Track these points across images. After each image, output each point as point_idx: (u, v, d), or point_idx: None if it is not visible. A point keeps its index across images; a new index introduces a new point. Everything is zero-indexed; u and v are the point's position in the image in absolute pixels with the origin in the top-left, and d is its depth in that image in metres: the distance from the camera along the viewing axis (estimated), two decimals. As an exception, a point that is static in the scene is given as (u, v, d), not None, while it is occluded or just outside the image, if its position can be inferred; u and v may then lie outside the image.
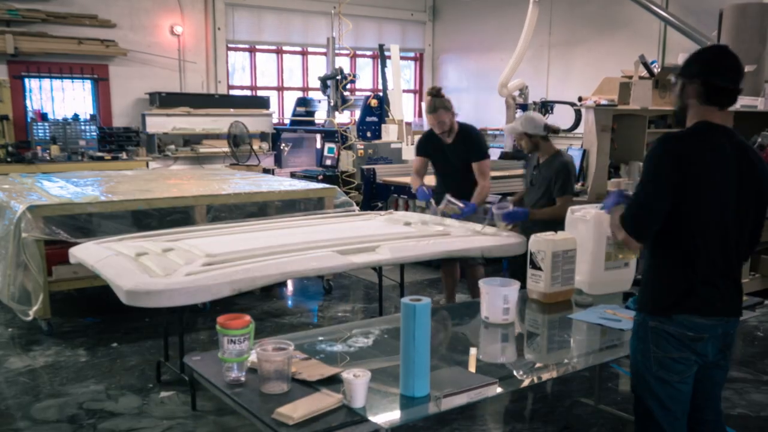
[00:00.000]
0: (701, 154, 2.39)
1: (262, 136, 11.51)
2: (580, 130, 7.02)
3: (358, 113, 10.78)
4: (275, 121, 12.17)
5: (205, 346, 5.14)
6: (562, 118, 9.47)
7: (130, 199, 5.74)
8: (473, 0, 13.16)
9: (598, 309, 3.23)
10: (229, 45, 12.24)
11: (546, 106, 8.66)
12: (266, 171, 10.35)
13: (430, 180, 5.63)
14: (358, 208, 6.78)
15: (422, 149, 5.61)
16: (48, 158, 9.42)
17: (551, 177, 4.66)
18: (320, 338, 2.90)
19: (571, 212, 3.69)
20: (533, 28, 9.17)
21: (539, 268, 3.34)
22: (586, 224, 3.54)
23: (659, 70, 6.48)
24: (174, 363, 4.46)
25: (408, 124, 11.28)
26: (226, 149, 10.73)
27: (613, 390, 4.53)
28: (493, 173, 6.19)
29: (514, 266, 4.63)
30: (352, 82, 10.80)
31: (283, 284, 6.92)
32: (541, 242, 3.35)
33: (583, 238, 3.53)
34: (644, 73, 6.33)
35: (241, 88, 12.77)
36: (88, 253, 4.32)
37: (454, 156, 5.34)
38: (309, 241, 4.55)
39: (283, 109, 13.17)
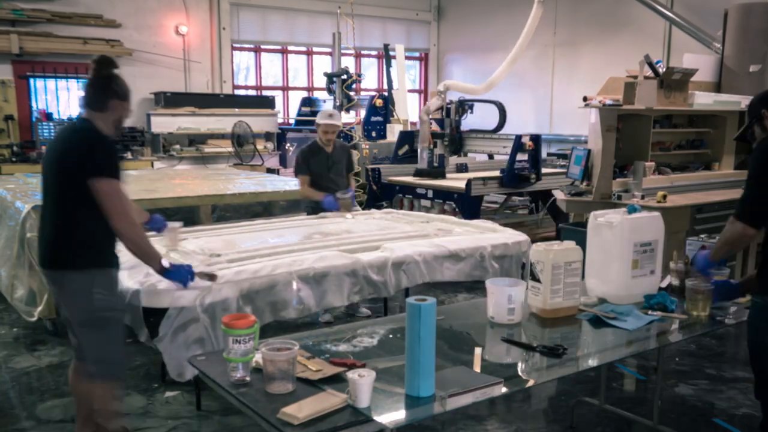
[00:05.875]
0: None
1: (267, 136, 11.52)
2: (584, 131, 7.01)
3: (363, 113, 10.78)
4: (280, 120, 12.19)
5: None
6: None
7: (135, 199, 5.71)
8: (478, 0, 13.16)
9: (603, 308, 3.22)
10: (234, 45, 12.26)
11: (464, 105, 8.80)
12: (270, 171, 10.35)
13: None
14: (360, 208, 6.78)
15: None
16: (53, 158, 9.42)
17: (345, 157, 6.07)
18: (325, 338, 2.90)
19: (594, 217, 3.48)
20: (534, 28, 9.16)
21: (538, 280, 3.15)
22: (612, 230, 3.34)
23: (664, 70, 6.46)
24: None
25: (413, 123, 11.26)
26: (231, 149, 10.74)
27: (618, 390, 4.52)
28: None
29: None
30: (358, 81, 10.80)
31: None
32: (541, 252, 3.15)
33: (608, 245, 3.35)
34: (649, 72, 6.31)
35: (246, 87, 12.78)
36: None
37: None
38: (314, 241, 4.56)
39: (288, 109, 13.19)
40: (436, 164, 8.35)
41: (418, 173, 8.22)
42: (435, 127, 8.80)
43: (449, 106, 8.43)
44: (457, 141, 8.49)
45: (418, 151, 8.47)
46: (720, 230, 5.60)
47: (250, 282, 3.75)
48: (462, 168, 9.13)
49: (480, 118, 9.80)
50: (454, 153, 8.92)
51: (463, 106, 8.48)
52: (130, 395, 4.34)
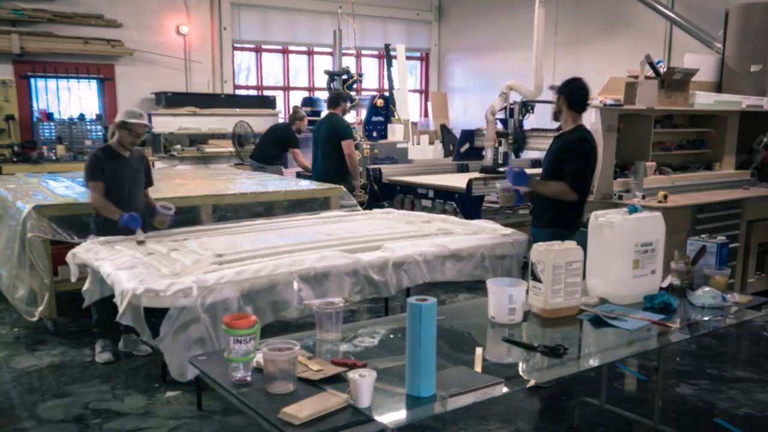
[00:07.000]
0: None
1: (268, 136, 11.49)
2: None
3: (364, 113, 10.78)
4: (281, 120, 12.18)
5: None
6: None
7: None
8: (479, 0, 13.15)
9: (604, 308, 3.22)
10: (235, 45, 12.27)
11: (526, 106, 9.05)
12: (271, 171, 10.33)
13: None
14: (360, 208, 6.78)
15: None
16: (54, 158, 9.44)
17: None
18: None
19: (595, 217, 3.47)
20: (543, 30, 9.18)
21: (539, 280, 3.14)
22: (613, 230, 3.33)
23: (665, 69, 6.45)
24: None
25: (414, 123, 11.27)
26: (232, 149, 10.74)
27: (619, 390, 4.52)
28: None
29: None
30: (359, 81, 10.80)
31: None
32: (542, 252, 3.14)
33: (609, 245, 3.35)
34: (650, 72, 6.31)
35: (247, 87, 12.79)
36: (90, 253, 4.34)
37: None
38: (315, 241, 4.56)
39: (289, 109, 13.18)
40: (501, 162, 8.74)
41: (484, 170, 8.48)
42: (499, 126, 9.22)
43: (512, 106, 8.89)
44: (520, 139, 8.92)
45: (484, 149, 8.78)
46: (721, 230, 5.62)
47: (251, 282, 3.75)
48: (463, 168, 9.14)
49: (539, 117, 9.84)
50: (517, 151, 9.25)
51: (526, 107, 8.94)
52: (130, 395, 4.34)
